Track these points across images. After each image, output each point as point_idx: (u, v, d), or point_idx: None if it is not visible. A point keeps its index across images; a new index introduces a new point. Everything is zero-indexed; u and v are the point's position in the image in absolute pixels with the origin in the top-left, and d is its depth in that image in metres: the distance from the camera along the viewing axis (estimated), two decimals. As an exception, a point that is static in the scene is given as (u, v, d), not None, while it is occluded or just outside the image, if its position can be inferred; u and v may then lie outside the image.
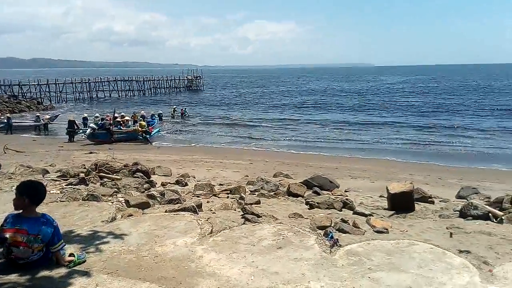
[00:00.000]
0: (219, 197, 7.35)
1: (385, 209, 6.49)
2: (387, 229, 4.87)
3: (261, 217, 5.19)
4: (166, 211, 5.30)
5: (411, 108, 37.10)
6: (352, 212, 6.10)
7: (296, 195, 7.35)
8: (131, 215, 5.01)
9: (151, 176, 9.60)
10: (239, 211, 5.61)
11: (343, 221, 5.02)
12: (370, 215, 5.76)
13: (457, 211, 6.02)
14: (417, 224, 5.42)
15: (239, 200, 6.54)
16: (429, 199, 7.27)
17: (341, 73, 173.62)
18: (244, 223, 4.83)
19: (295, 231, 4.31)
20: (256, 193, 7.52)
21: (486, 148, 19.17)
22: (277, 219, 5.25)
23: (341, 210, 6.22)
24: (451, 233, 4.83)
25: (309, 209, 6.28)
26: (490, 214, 5.56)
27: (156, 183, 8.50)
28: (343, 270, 3.41)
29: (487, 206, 5.84)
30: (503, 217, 5.47)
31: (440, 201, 7.42)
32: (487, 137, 21.93)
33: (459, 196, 8.00)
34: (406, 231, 4.98)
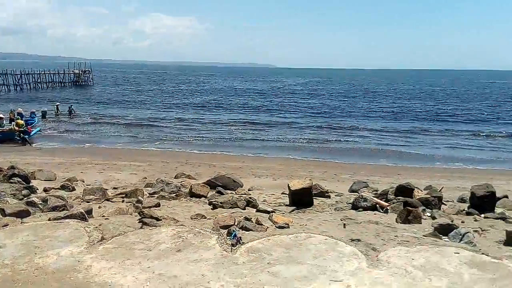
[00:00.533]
0: (113, 202, 6.98)
1: (286, 205, 6.84)
2: (288, 224, 5.14)
3: (161, 220, 5.10)
4: (49, 219, 4.89)
5: (310, 108, 39.42)
6: (255, 210, 6.30)
7: (198, 196, 7.33)
8: (7, 225, 4.52)
9: (31, 181, 8.77)
10: (136, 215, 5.43)
11: (247, 219, 5.16)
12: (272, 211, 6.01)
13: (349, 203, 6.62)
14: (315, 218, 5.81)
15: (136, 204, 6.30)
16: (326, 194, 7.85)
17: (242, 73, 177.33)
18: (141, 228, 4.69)
19: (196, 232, 4.34)
20: (156, 195, 7.32)
21: (374, 146, 21.24)
22: (178, 221, 5.22)
23: (244, 209, 6.38)
24: (344, 224, 5.29)
25: (212, 209, 6.33)
26: (377, 205, 6.26)
27: (37, 189, 7.79)
28: (244, 267, 3.53)
29: (375, 198, 6.57)
30: (388, 208, 6.19)
31: (335, 195, 8.05)
32: (375, 136, 24.29)
33: (351, 190, 8.77)
34: (306, 225, 5.32)
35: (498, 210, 6.51)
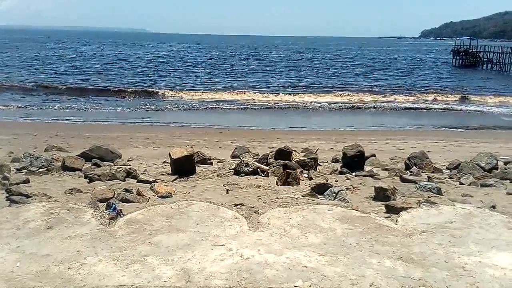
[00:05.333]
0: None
1: (168, 174, 6.84)
2: (170, 193, 5.20)
3: (32, 197, 4.86)
4: None
5: (188, 74, 38.97)
6: (136, 180, 6.21)
7: (73, 169, 6.93)
8: None
9: None
10: (2, 193, 5.08)
11: (127, 190, 5.14)
12: (154, 181, 5.99)
13: (232, 169, 6.85)
14: (199, 185, 5.94)
15: (3, 181, 5.80)
16: (209, 161, 8.00)
17: (116, 37, 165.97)
18: (9, 206, 4.44)
19: (69, 207, 4.20)
20: (24, 170, 6.78)
21: (253, 110, 22.06)
22: (51, 197, 4.96)
23: (124, 180, 6.27)
24: (227, 190, 5.53)
25: (88, 182, 6.10)
26: (258, 170, 6.60)
27: None
28: (123, 240, 3.52)
29: (256, 163, 6.90)
30: (268, 171, 6.56)
31: (218, 162, 8.22)
32: (253, 100, 25.06)
33: (233, 156, 9.03)
34: (189, 193, 5.43)
35: (367, 168, 7.33)
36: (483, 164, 7.17)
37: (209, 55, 70.60)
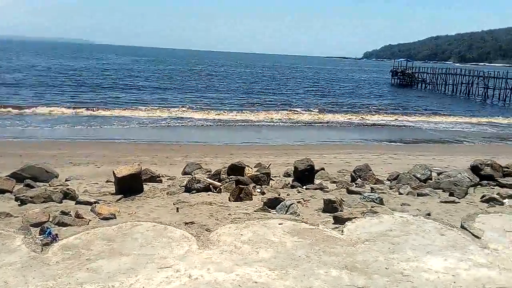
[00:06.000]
0: None
1: (112, 194, 6.46)
2: (114, 215, 4.90)
3: None
4: None
5: (133, 88, 38.11)
6: (74, 202, 5.79)
7: (2, 191, 6.30)
8: None
9: None
10: None
11: (64, 213, 4.78)
12: (96, 202, 5.62)
13: (183, 186, 6.66)
14: (146, 204, 5.67)
15: None
16: (157, 178, 7.74)
17: (58, 49, 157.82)
18: None
19: None
20: None
21: (206, 126, 21.86)
22: None
23: (61, 202, 5.81)
24: (177, 208, 5.31)
25: (20, 205, 5.60)
26: (210, 186, 6.45)
27: None
28: (57, 267, 3.23)
29: (208, 179, 6.75)
30: (221, 187, 6.45)
31: (168, 179, 7.98)
32: (203, 116, 24.75)
33: (184, 173, 8.82)
34: (135, 213, 5.15)
35: (317, 181, 7.45)
36: (419, 175, 7.51)
37: (157, 68, 69.71)
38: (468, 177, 6.78)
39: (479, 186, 6.81)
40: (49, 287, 2.93)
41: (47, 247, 3.57)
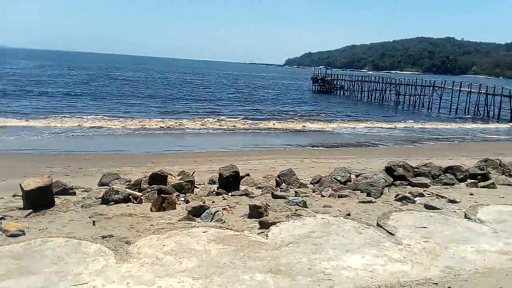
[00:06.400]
0: None
1: (20, 209, 5.99)
2: (23, 231, 4.51)
3: None
4: None
5: (43, 95, 35.80)
6: None
7: None
8: None
9: None
10: None
11: None
12: (2, 218, 5.19)
13: (99, 198, 6.30)
14: (59, 218, 5.30)
15: None
16: (71, 191, 7.29)
17: None
18: None
19: None
20: None
21: (124, 134, 21.06)
22: None
23: None
24: (94, 221, 5.00)
25: None
26: (130, 196, 6.15)
27: None
28: None
29: (127, 189, 6.43)
30: (142, 197, 6.19)
31: (82, 191, 7.55)
32: (122, 124, 23.76)
33: (101, 184, 8.38)
34: (46, 228, 4.77)
35: (242, 187, 7.46)
36: (339, 178, 7.87)
37: (70, 74, 66.20)
38: (383, 178, 7.21)
39: (393, 186, 7.26)
40: None
41: None
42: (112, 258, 3.55)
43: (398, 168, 7.71)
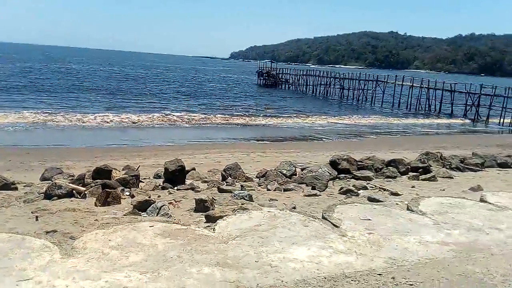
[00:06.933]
0: None
1: None
2: None
3: None
4: None
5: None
6: None
7: None
8: None
9: None
10: None
11: None
12: None
13: (42, 193, 6.19)
14: (0, 214, 5.16)
15: None
16: (12, 186, 7.09)
17: None
18: None
19: None
20: None
21: (68, 126, 20.34)
22: None
23: None
24: (37, 217, 4.93)
25: None
26: (74, 191, 6.05)
27: None
28: None
29: (70, 184, 6.34)
30: (86, 192, 6.08)
31: (24, 186, 7.34)
32: (66, 116, 23.02)
33: (43, 178, 8.15)
34: None
35: (188, 181, 7.48)
36: (285, 171, 8.05)
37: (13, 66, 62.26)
38: (328, 171, 7.48)
39: (337, 179, 7.53)
40: None
41: None
42: (57, 253, 3.50)
43: (342, 161, 8.00)
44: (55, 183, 6.22)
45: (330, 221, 4.53)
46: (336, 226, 4.40)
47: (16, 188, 7.04)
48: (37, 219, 4.82)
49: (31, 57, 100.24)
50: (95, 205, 5.53)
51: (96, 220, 4.79)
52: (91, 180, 6.80)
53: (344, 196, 6.28)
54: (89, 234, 4.01)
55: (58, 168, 8.74)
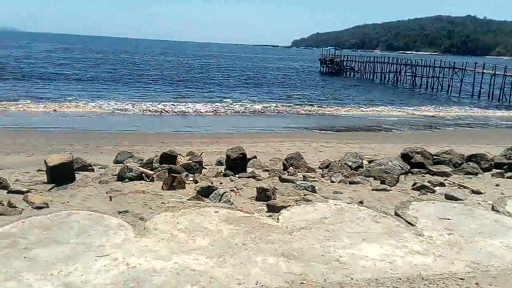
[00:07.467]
0: None
1: (44, 183, 6.41)
2: (47, 204, 4.85)
3: None
4: None
5: (57, 76, 36.30)
6: (6, 191, 5.71)
7: None
8: None
9: None
10: None
11: None
12: (28, 191, 5.58)
13: (115, 175, 6.59)
14: (79, 193, 5.60)
15: None
16: (89, 167, 7.62)
17: None
18: None
19: None
20: None
21: (135, 114, 21.46)
22: None
23: None
24: (110, 197, 5.29)
25: None
26: (143, 174, 6.39)
27: None
28: None
29: (140, 167, 6.69)
30: (154, 176, 6.40)
31: (99, 168, 7.86)
32: (131, 104, 24.10)
33: (116, 161, 8.67)
34: (68, 202, 5.08)
35: (249, 169, 7.56)
36: (350, 163, 7.80)
37: (88, 57, 66.33)
38: (399, 165, 7.04)
39: (410, 173, 7.07)
40: (-15, 276, 2.86)
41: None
42: (131, 232, 3.75)
43: (416, 155, 7.46)
44: (127, 166, 6.63)
45: (404, 219, 4.32)
46: (411, 224, 4.20)
47: (92, 170, 7.58)
48: (110, 199, 5.19)
49: (101, 49, 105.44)
50: (162, 188, 5.81)
51: (163, 203, 5.03)
52: (158, 164, 7.12)
53: (418, 192, 5.93)
54: (158, 216, 4.24)
55: (129, 152, 9.27)
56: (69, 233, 3.67)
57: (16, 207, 4.68)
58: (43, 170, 6.92)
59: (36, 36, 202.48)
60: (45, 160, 6.54)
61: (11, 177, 6.88)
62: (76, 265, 3.12)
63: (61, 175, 6.35)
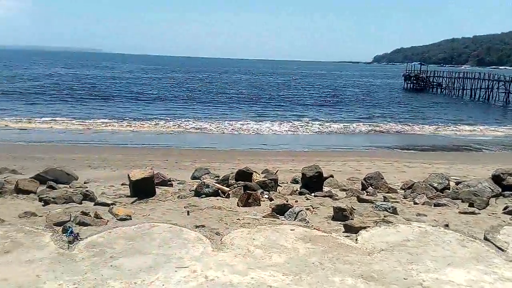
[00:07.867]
0: None
1: (127, 196, 6.83)
2: (130, 216, 5.20)
3: None
4: None
5: (139, 96, 38.83)
6: (93, 203, 6.17)
7: (27, 192, 6.79)
8: None
9: None
10: None
11: (84, 213, 5.10)
12: (112, 204, 5.98)
13: (192, 190, 6.90)
14: (159, 207, 5.93)
15: None
16: (169, 182, 8.03)
17: (67, 58, 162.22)
18: None
19: (26, 231, 4.05)
20: None
21: (211, 132, 22.24)
22: (4, 221, 4.83)
23: (81, 203, 6.22)
24: (188, 211, 5.54)
25: (43, 205, 6.02)
26: (219, 191, 6.63)
27: None
28: (83, 263, 3.43)
29: (216, 184, 6.94)
30: (229, 192, 6.60)
31: (178, 183, 8.25)
32: (208, 122, 25.10)
33: (193, 177, 9.04)
34: (149, 215, 5.40)
35: (325, 188, 7.49)
36: (435, 184, 7.47)
37: (167, 77, 70.28)
38: (490, 187, 6.69)
39: (501, 196, 6.71)
40: (76, 282, 3.12)
41: (72, 244, 3.80)
42: (209, 246, 3.88)
43: (509, 176, 7.10)
44: (204, 182, 6.94)
45: (494, 244, 4.09)
46: (502, 250, 3.96)
47: (171, 185, 7.98)
48: (188, 214, 5.44)
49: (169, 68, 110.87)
50: (237, 205, 5.95)
51: (238, 219, 5.15)
52: (234, 181, 7.34)
53: (510, 216, 5.61)
54: (235, 231, 4.33)
55: (206, 169, 9.67)
56: (151, 244, 3.87)
57: (102, 218, 5.07)
58: (126, 184, 7.39)
59: (118, 57, 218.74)
60: (128, 175, 7.00)
61: (98, 190, 7.41)
62: (157, 275, 3.28)
63: (142, 189, 6.74)
